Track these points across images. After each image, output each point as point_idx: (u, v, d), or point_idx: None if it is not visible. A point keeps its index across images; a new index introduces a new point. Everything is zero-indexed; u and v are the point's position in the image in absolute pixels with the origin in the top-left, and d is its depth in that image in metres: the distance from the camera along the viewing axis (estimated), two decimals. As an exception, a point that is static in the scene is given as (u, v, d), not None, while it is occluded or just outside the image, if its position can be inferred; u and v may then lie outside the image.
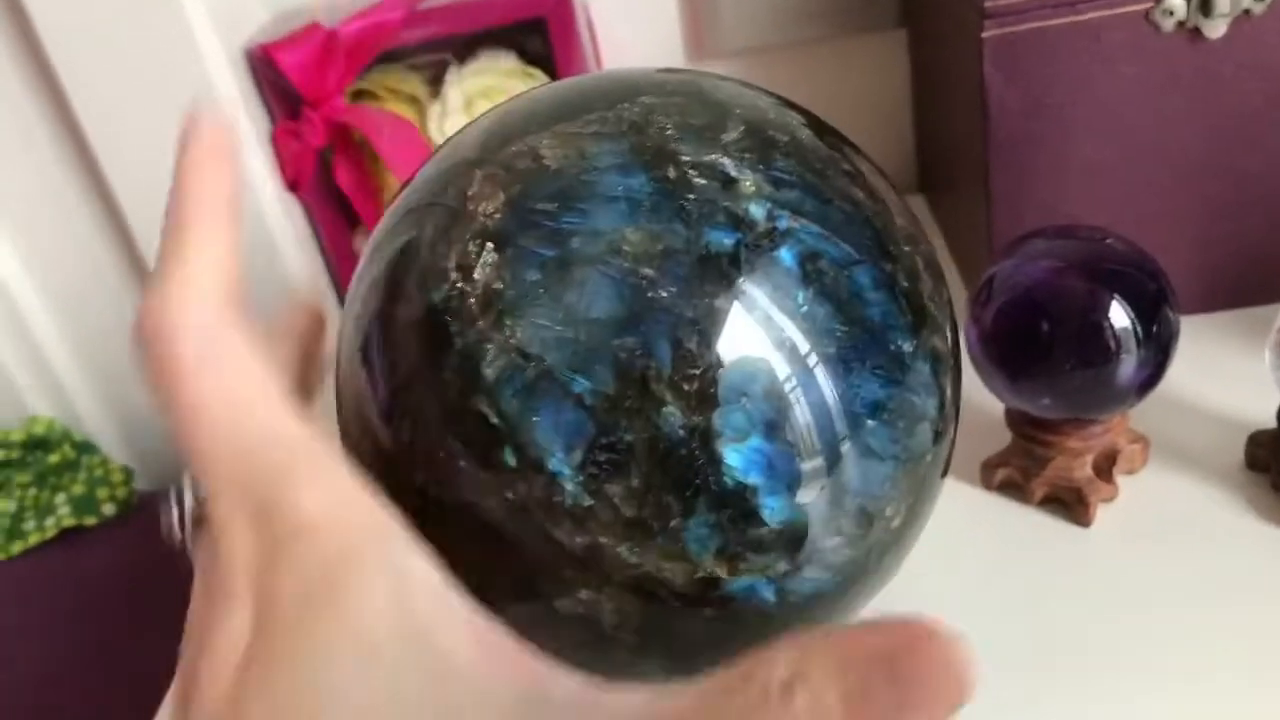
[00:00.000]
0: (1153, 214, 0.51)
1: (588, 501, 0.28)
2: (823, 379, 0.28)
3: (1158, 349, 0.42)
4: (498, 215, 0.29)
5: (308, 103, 0.64)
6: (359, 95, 0.67)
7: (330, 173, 0.68)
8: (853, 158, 0.33)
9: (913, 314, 0.30)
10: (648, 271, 0.27)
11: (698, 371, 0.27)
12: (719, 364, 0.27)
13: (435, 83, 0.67)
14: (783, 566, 0.29)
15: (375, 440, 0.31)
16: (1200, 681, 0.37)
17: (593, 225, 0.28)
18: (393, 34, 0.63)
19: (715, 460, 0.27)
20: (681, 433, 0.27)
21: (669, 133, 0.30)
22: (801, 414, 0.28)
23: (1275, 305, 0.52)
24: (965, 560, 0.44)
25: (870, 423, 0.29)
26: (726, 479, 0.28)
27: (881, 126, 0.71)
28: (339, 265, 0.72)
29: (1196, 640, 0.39)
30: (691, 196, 0.28)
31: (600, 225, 0.28)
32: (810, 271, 0.29)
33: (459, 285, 0.29)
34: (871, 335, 0.29)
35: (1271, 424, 0.44)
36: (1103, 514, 0.45)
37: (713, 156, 0.29)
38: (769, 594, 0.29)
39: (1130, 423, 0.46)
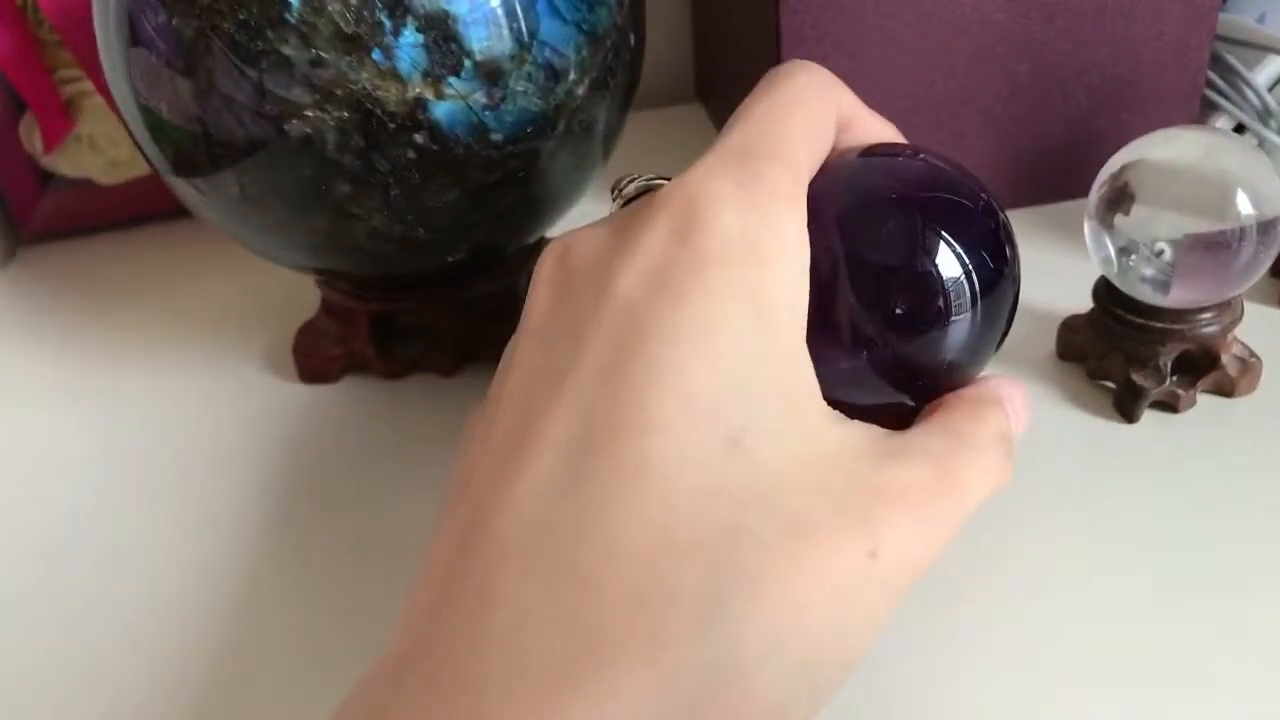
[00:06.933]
0: (952, 91, 0.49)
1: (311, 18, 0.33)
2: (514, -65, 0.34)
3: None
4: None
5: None
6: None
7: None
8: None
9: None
10: None
11: (406, -93, 0.33)
12: (425, -96, 0.33)
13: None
14: (481, 99, 0.35)
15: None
16: (1012, 586, 0.35)
17: None
18: None
19: (422, -14, 0.33)
20: (392, -41, 0.33)
21: None
22: (495, -40, 0.34)
23: (1079, 200, 0.51)
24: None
25: (556, -13, 0.35)
26: (431, 3, 0.33)
27: (659, 34, 0.70)
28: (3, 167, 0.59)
29: (1019, 543, 0.36)
30: None
31: None
32: None
33: None
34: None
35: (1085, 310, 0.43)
36: None
37: None
38: (470, 125, 0.35)
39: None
